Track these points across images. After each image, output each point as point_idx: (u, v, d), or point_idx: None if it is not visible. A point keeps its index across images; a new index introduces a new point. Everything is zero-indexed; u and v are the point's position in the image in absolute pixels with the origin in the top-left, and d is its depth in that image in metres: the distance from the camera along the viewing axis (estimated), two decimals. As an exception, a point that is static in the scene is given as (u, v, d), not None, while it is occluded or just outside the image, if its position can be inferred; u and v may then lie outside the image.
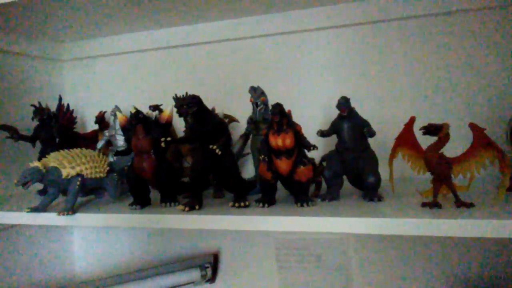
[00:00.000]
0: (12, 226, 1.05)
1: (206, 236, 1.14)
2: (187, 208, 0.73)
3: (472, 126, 0.64)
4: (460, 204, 0.64)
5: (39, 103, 1.01)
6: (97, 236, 1.26)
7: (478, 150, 0.63)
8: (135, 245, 1.21)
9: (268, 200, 0.75)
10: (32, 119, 1.00)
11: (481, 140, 0.63)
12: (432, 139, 0.66)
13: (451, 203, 0.66)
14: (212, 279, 1.09)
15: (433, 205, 0.64)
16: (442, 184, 0.66)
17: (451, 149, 0.69)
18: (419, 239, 0.97)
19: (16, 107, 1.11)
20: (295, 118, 0.75)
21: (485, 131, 0.63)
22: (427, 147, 0.66)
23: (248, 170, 1.07)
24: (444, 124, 0.64)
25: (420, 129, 0.65)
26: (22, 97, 1.13)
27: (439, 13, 0.94)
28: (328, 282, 1.03)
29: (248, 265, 1.11)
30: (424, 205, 0.65)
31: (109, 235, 1.24)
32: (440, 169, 0.65)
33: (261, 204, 0.74)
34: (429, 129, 0.64)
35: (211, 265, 1.07)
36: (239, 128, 1.03)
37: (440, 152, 0.65)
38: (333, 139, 0.79)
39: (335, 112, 0.77)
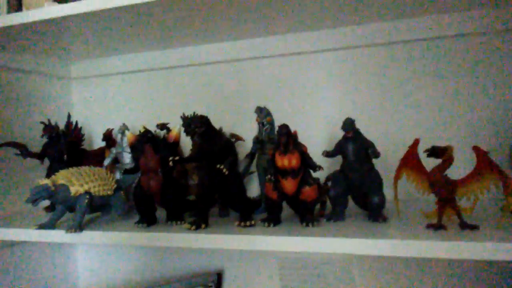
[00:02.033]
0: (17, 242, 1.06)
1: (210, 255, 1.14)
2: (193, 227, 0.74)
3: (476, 149, 0.65)
4: (464, 226, 0.65)
5: (49, 120, 1.03)
6: (101, 253, 1.26)
7: (482, 172, 0.64)
8: (139, 263, 1.21)
9: (273, 219, 0.76)
10: (41, 136, 1.01)
11: (484, 163, 0.64)
12: (436, 161, 0.67)
13: (455, 225, 0.67)
14: (216, 298, 1.09)
15: (437, 227, 0.65)
16: (446, 206, 0.66)
17: (455, 171, 0.70)
18: (423, 260, 0.97)
19: (26, 124, 1.12)
20: (299, 138, 0.76)
21: (488, 154, 0.64)
22: (431, 169, 0.67)
23: (253, 189, 1.08)
24: (448, 146, 0.66)
25: (424, 152, 0.66)
26: (32, 114, 1.15)
27: (442, 36, 0.96)
28: (332, 302, 1.02)
29: (252, 284, 1.10)
30: (428, 226, 0.66)
31: (113, 252, 1.24)
32: (445, 191, 0.65)
33: (266, 224, 0.75)
34: (433, 152, 0.66)
35: (214, 284, 1.07)
36: (244, 147, 1.04)
37: (444, 174, 0.66)
38: (338, 159, 0.80)
39: (339, 132, 0.79)
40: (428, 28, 0.96)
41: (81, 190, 0.81)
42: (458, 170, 0.72)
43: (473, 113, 0.95)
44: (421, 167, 0.70)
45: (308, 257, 1.05)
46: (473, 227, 0.64)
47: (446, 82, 0.97)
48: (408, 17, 0.96)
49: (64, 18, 0.84)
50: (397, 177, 0.72)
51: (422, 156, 0.69)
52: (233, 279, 1.12)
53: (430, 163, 0.69)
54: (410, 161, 0.70)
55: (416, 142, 0.70)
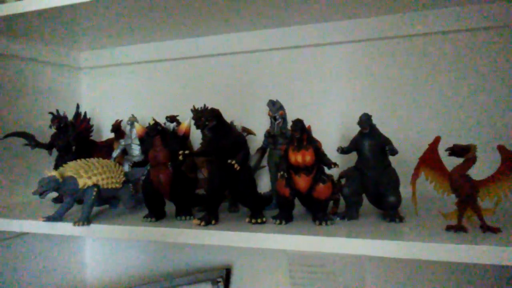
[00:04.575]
0: (24, 233, 1.05)
1: (219, 250, 1.12)
2: (203, 223, 0.72)
3: (501, 149, 0.62)
4: (486, 228, 0.62)
5: (57, 110, 1.02)
6: (109, 246, 1.25)
7: (506, 173, 0.61)
8: (147, 257, 1.20)
9: (285, 217, 0.73)
10: (50, 126, 1.00)
11: (509, 163, 0.61)
12: (458, 160, 0.64)
13: (476, 227, 0.64)
14: (224, 293, 1.08)
15: (458, 228, 0.62)
16: (467, 207, 0.64)
17: (478, 171, 0.66)
18: (439, 262, 0.94)
19: (34, 114, 1.11)
20: (313, 133, 0.74)
21: (514, 154, 0.61)
22: (452, 169, 0.64)
23: (264, 184, 1.06)
24: (471, 145, 0.62)
25: (446, 150, 0.63)
26: (40, 104, 1.14)
27: (464, 30, 0.92)
28: (342, 301, 1.00)
29: (261, 281, 1.09)
30: (448, 228, 0.63)
31: (121, 245, 1.24)
32: (466, 192, 0.62)
33: (278, 221, 0.72)
34: (455, 150, 0.63)
35: (223, 279, 1.05)
36: (255, 142, 1.02)
37: (466, 174, 0.63)
38: (351, 156, 0.78)
39: (353, 127, 0.76)
40: (449, 20, 0.92)
41: (89, 182, 0.79)
42: (481, 170, 0.69)
43: (497, 110, 0.91)
44: (442, 166, 0.66)
45: (318, 255, 1.02)
46: (495, 230, 0.61)
47: (469, 78, 0.93)
48: (428, 9, 0.92)
49: (73, 6, 0.82)
50: (415, 176, 0.69)
51: (443, 154, 0.66)
52: (241, 275, 1.10)
53: (450, 162, 0.66)
54: (429, 159, 0.67)
55: (437, 140, 0.67)
